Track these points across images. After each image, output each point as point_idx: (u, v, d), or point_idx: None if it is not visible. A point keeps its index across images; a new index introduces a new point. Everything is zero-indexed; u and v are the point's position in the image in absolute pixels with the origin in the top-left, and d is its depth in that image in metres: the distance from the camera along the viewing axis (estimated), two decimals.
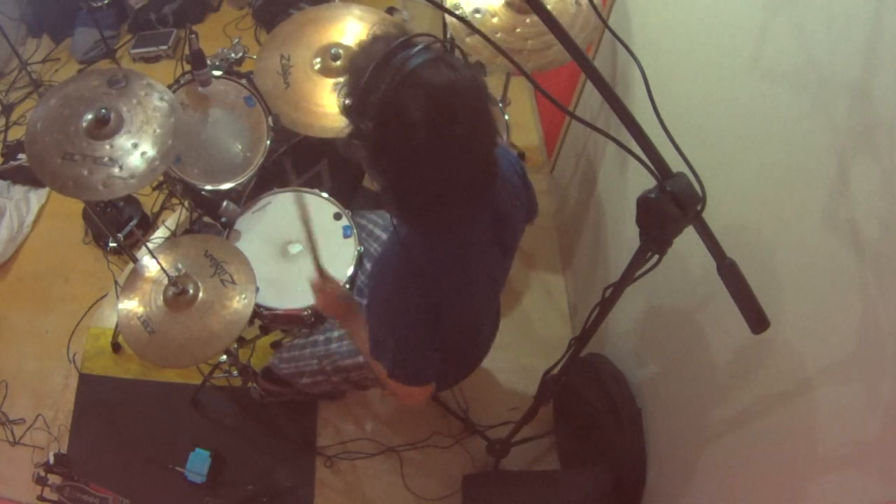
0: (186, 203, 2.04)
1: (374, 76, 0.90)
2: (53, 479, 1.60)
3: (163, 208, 2.58)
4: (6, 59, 3.12)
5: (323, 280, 1.40)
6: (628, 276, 0.99)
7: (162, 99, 1.51)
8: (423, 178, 0.98)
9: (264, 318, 1.66)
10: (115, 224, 2.33)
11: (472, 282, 1.23)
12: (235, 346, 1.97)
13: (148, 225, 2.52)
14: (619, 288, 1.04)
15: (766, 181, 1.11)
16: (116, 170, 1.41)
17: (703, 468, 1.36)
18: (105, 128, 1.44)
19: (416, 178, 0.98)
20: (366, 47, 0.97)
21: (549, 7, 0.79)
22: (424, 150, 0.94)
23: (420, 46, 0.92)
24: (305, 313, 1.62)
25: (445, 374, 1.56)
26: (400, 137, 0.93)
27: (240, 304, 1.51)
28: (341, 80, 1.01)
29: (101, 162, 1.41)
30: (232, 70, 1.85)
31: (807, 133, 0.98)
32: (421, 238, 1.11)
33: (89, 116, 1.43)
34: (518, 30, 1.71)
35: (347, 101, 0.98)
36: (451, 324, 1.24)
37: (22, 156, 2.63)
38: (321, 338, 1.61)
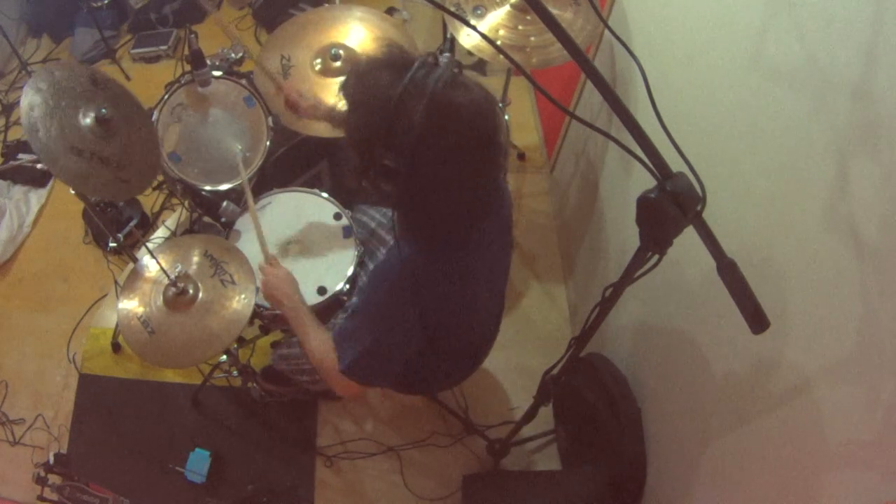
0: (186, 203, 2.04)
1: (399, 110, 0.88)
2: (53, 479, 1.60)
3: (163, 208, 2.58)
4: (6, 59, 3.12)
5: (270, 265, 1.43)
6: (628, 276, 0.99)
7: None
8: (454, 200, 0.97)
9: (264, 318, 1.66)
10: (115, 224, 2.33)
11: (474, 294, 1.23)
12: (235, 346, 1.97)
13: (148, 225, 2.52)
14: (619, 288, 1.04)
15: (766, 181, 1.11)
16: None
17: (703, 468, 1.36)
18: (108, 126, 1.43)
19: (448, 201, 0.97)
20: (370, 76, 0.94)
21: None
22: (457, 172, 0.94)
23: (437, 73, 0.90)
24: None
25: (447, 376, 1.57)
26: (438, 165, 0.92)
27: (240, 304, 1.51)
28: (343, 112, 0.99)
29: (108, 162, 1.40)
30: (232, 70, 1.85)
31: (807, 133, 0.98)
32: (428, 257, 1.11)
33: (90, 119, 1.42)
34: (520, 27, 1.71)
35: (363, 137, 0.95)
36: (453, 336, 1.24)
37: (22, 156, 2.63)
38: None
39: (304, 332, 1.35)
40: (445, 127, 0.89)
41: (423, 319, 1.15)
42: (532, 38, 1.69)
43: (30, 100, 1.31)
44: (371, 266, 1.69)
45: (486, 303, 1.39)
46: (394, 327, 1.17)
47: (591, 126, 0.90)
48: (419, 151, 0.89)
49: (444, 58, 1.91)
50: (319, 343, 1.29)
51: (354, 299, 1.66)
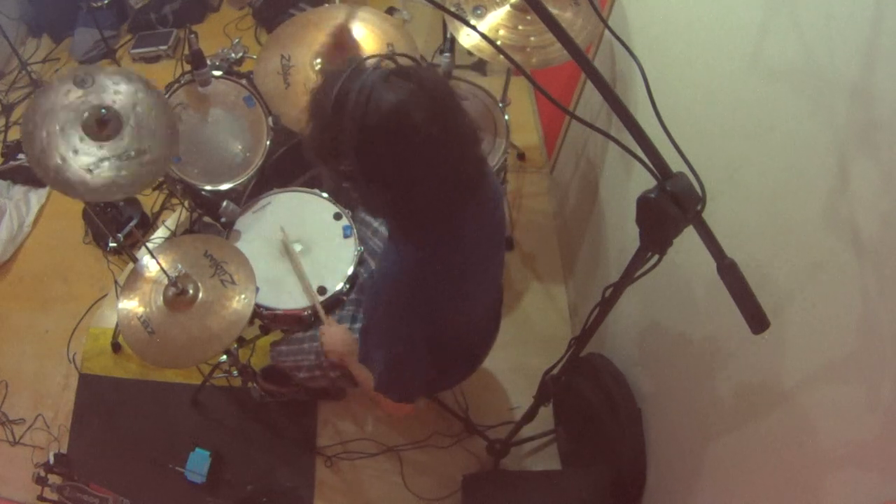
0: (186, 203, 2.04)
1: (335, 116, 0.91)
2: (53, 479, 1.60)
3: (163, 208, 2.58)
4: (6, 59, 3.12)
5: (328, 325, 1.45)
6: (628, 277, 0.99)
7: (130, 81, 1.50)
8: (418, 191, 0.98)
9: (264, 318, 1.66)
10: (115, 224, 2.33)
11: (472, 290, 1.22)
12: (235, 346, 1.97)
13: (148, 225, 2.52)
14: (619, 288, 1.04)
15: (766, 181, 1.11)
16: (148, 156, 1.42)
17: (702, 468, 1.36)
18: (108, 126, 1.43)
19: (413, 194, 0.98)
20: (320, 88, 0.98)
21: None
22: (410, 165, 0.94)
23: (369, 70, 0.93)
24: (305, 313, 1.62)
25: (447, 376, 1.57)
26: (383, 162, 0.93)
27: (240, 304, 1.51)
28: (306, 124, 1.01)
29: (128, 156, 1.41)
30: (232, 70, 1.85)
31: (807, 133, 0.98)
32: (422, 254, 1.11)
33: (89, 121, 1.42)
34: (520, 27, 1.71)
35: (317, 147, 0.99)
36: (451, 335, 1.24)
37: (22, 156, 2.63)
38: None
39: (366, 379, 1.37)
40: (378, 123, 0.90)
41: (426, 320, 1.15)
42: (532, 38, 1.69)
43: (41, 144, 1.32)
44: (372, 264, 1.69)
45: (483, 300, 1.39)
46: (401, 338, 1.18)
47: (591, 126, 0.90)
48: (360, 151, 0.92)
49: (445, 58, 1.91)
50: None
51: (346, 308, 1.66)
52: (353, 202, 1.02)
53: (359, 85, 0.91)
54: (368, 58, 0.97)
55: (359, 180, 0.96)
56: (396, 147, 0.92)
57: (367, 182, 0.96)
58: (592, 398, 1.73)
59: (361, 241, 1.72)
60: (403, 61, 0.99)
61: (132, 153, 1.42)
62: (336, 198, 1.81)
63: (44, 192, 2.67)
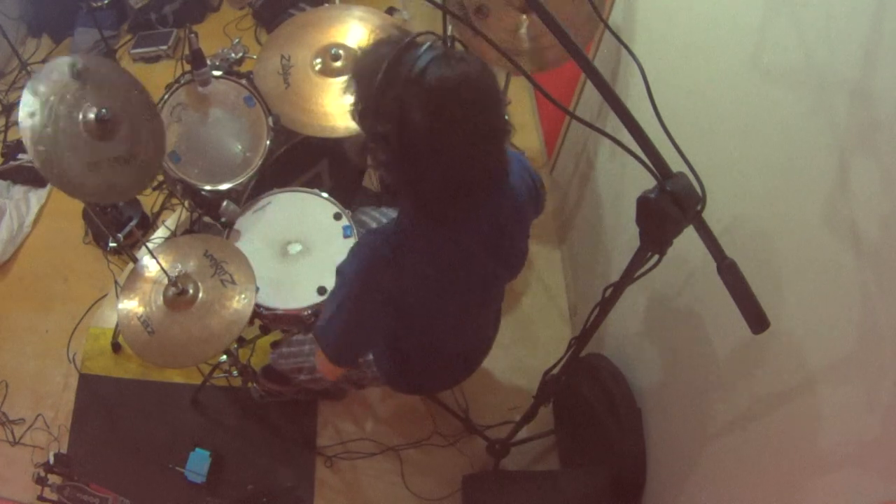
0: (186, 203, 2.04)
1: (386, 78, 0.92)
2: (53, 479, 1.59)
3: (163, 208, 2.58)
4: (6, 59, 3.12)
5: None
6: (628, 276, 0.99)
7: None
8: (443, 172, 0.98)
9: (264, 318, 1.66)
10: (115, 224, 2.33)
11: (451, 283, 1.21)
12: (235, 346, 1.97)
13: (148, 225, 2.52)
14: (619, 288, 1.04)
15: (766, 181, 1.11)
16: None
17: (702, 468, 1.36)
18: (108, 126, 1.42)
19: (437, 172, 0.98)
20: (371, 51, 0.99)
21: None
22: (445, 143, 0.95)
23: (427, 44, 0.94)
24: (305, 313, 1.62)
25: (434, 377, 1.56)
26: (421, 134, 0.94)
27: (240, 304, 1.51)
28: (347, 84, 1.02)
29: (123, 160, 1.39)
30: (232, 70, 1.85)
31: (807, 133, 0.98)
32: (414, 244, 1.11)
33: (90, 118, 1.41)
34: (520, 28, 1.71)
35: (359, 107, 0.99)
36: (419, 318, 1.23)
37: (22, 156, 2.63)
38: None
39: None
40: (428, 94, 0.91)
41: (392, 294, 1.15)
42: (532, 40, 1.69)
43: (30, 126, 1.30)
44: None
45: (461, 316, 1.37)
46: (364, 300, 1.17)
47: (591, 126, 0.90)
48: (402, 119, 0.93)
49: None
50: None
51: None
52: (375, 167, 1.04)
53: (413, 56, 0.92)
54: (422, 34, 0.97)
55: (391, 145, 0.96)
56: (437, 122, 0.93)
57: (400, 151, 0.96)
58: (592, 398, 1.73)
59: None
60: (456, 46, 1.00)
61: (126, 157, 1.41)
62: (336, 197, 1.81)
63: (44, 192, 2.67)
